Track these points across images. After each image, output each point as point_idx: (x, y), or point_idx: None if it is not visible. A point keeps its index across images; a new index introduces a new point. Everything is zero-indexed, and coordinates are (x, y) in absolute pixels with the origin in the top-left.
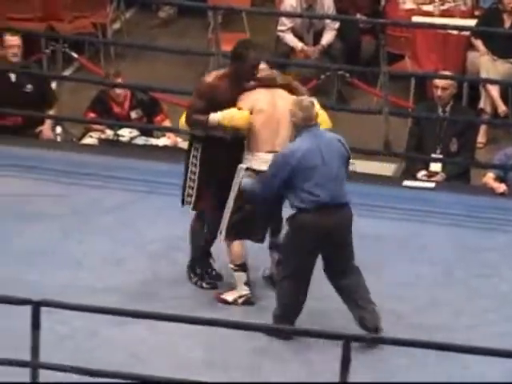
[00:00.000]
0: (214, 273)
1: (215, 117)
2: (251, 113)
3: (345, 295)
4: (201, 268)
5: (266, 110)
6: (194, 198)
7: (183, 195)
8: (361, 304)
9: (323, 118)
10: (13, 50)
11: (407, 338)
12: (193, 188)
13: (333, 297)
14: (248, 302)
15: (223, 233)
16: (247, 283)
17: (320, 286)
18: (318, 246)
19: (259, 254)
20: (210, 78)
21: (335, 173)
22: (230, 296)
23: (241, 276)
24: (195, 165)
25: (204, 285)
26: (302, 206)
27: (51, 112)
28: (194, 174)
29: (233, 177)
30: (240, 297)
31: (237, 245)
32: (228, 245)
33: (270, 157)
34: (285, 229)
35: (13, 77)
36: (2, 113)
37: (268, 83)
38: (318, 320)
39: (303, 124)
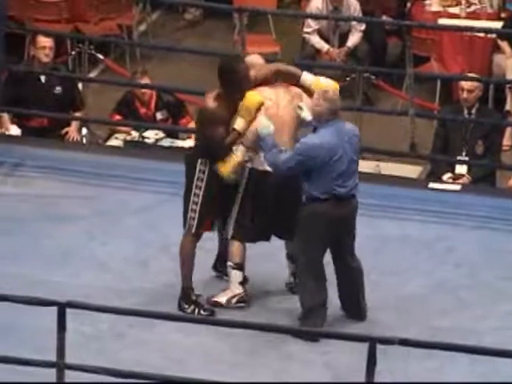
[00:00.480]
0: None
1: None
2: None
3: (352, 280)
4: (196, 295)
5: (271, 109)
6: (196, 221)
7: (186, 218)
8: (362, 292)
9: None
10: (45, 51)
11: (435, 341)
12: (195, 211)
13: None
14: (242, 301)
15: (230, 233)
16: (242, 282)
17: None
18: (331, 235)
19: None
20: (209, 102)
21: (354, 167)
22: (223, 297)
23: (237, 275)
24: (200, 187)
25: (202, 312)
26: (320, 196)
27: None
28: (198, 196)
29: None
30: (233, 296)
31: (238, 244)
32: (231, 243)
33: None
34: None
35: (43, 78)
36: (28, 114)
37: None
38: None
39: (328, 116)
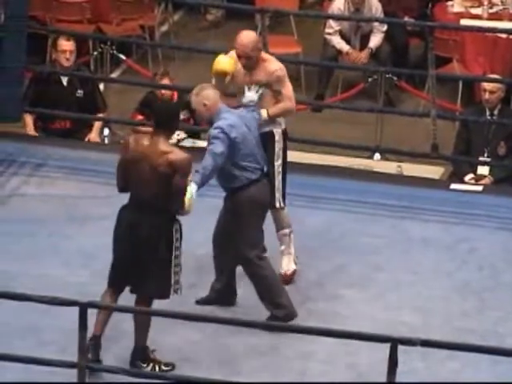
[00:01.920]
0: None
1: None
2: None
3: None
4: (152, 351)
5: None
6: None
7: (169, 286)
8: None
9: None
10: (65, 55)
11: (457, 342)
12: (178, 273)
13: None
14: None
15: (281, 200)
16: None
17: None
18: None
19: None
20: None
21: (257, 139)
22: (290, 264)
23: (292, 238)
24: (178, 248)
25: (164, 367)
26: (250, 177)
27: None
28: (178, 257)
29: None
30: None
31: (286, 211)
32: (281, 211)
33: None
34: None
35: (64, 81)
36: (50, 116)
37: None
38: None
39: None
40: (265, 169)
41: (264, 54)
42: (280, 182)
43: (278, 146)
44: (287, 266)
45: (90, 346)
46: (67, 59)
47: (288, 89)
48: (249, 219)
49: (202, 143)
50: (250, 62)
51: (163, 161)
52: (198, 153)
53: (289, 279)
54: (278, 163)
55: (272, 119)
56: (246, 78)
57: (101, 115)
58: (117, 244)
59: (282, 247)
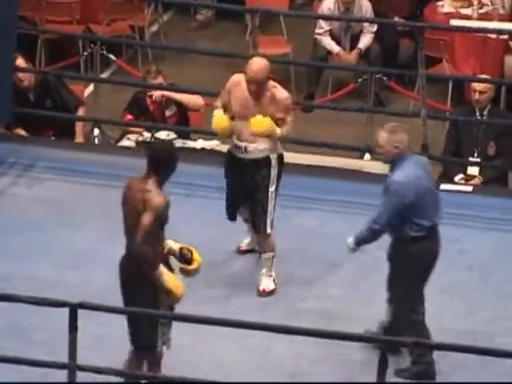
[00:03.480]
0: None
1: None
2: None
3: None
4: None
5: None
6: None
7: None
8: None
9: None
10: (18, 76)
11: (447, 343)
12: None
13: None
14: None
15: (269, 227)
16: None
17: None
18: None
19: None
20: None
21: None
22: (270, 284)
23: (274, 262)
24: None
25: None
26: (418, 234)
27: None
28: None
29: None
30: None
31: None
32: (268, 236)
33: None
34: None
35: (31, 96)
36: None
37: None
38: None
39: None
40: (435, 224)
41: (271, 82)
42: (272, 207)
43: (274, 172)
44: (267, 284)
45: None
46: (21, 80)
47: (291, 117)
48: (409, 277)
49: (192, 143)
50: (260, 88)
51: (139, 197)
52: (188, 153)
53: (266, 295)
54: (272, 189)
55: (271, 145)
56: (253, 107)
57: (81, 113)
58: None
59: (263, 270)
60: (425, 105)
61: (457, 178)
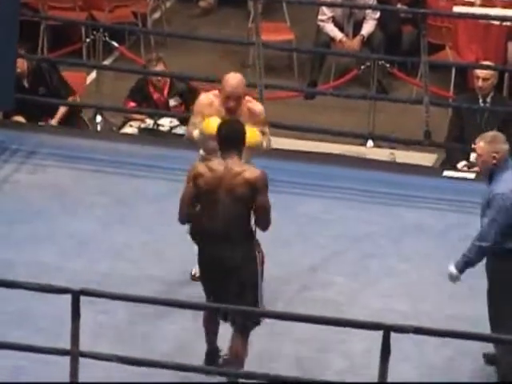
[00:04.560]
0: None
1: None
2: None
3: None
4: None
5: None
6: None
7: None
8: None
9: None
10: None
11: (450, 329)
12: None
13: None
14: None
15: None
16: None
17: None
18: None
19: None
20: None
21: None
22: None
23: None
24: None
25: None
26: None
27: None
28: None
29: None
30: None
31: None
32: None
33: None
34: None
35: (25, 82)
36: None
37: None
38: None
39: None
40: None
41: (246, 96)
42: None
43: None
44: None
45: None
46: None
47: (268, 128)
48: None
49: None
50: (238, 103)
51: (239, 181)
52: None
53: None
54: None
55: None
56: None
57: (72, 99)
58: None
59: None
60: (427, 92)
61: (460, 165)
